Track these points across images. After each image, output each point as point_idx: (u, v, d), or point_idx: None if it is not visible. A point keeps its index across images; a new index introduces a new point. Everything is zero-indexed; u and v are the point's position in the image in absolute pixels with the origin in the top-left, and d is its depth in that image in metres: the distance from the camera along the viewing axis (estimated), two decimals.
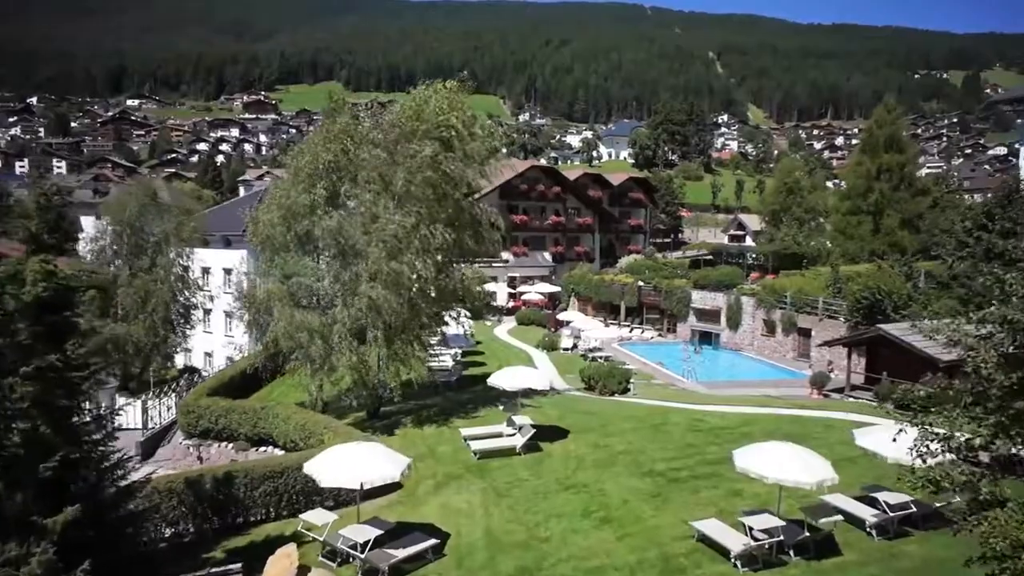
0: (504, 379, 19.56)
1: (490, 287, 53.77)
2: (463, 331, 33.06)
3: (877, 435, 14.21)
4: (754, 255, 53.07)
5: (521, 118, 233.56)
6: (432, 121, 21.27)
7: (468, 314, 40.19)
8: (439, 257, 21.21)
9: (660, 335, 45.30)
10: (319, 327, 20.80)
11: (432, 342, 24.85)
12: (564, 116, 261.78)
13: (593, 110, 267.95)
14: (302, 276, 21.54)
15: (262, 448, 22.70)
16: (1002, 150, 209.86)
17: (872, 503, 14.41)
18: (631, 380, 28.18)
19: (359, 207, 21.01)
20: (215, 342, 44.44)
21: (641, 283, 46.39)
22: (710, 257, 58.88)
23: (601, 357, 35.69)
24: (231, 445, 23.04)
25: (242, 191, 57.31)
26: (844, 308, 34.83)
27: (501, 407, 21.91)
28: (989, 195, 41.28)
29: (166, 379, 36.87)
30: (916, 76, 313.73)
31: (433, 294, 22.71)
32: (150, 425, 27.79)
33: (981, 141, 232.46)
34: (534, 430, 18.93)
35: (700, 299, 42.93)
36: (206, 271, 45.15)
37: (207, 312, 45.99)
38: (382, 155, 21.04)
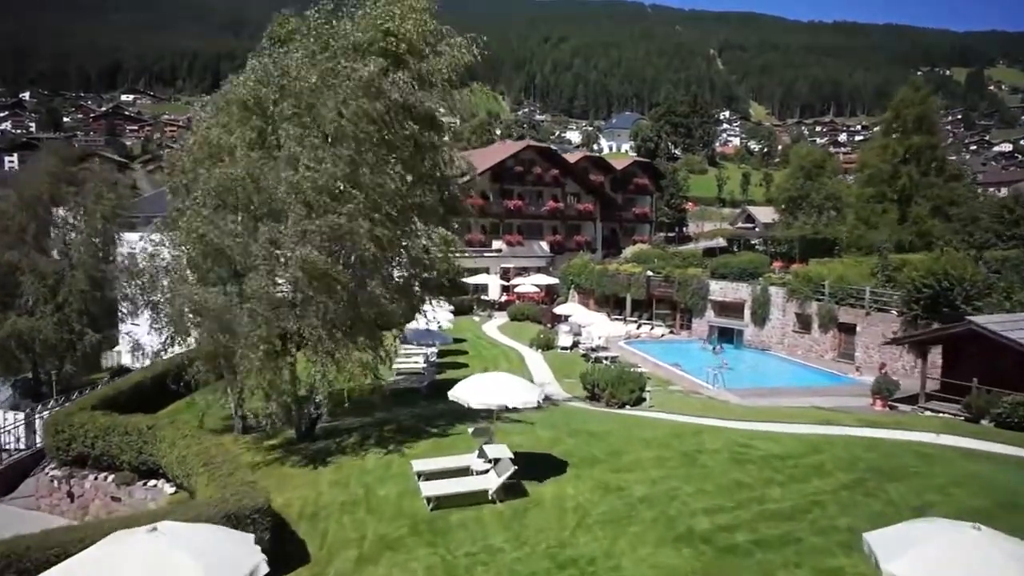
0: (471, 391, 13.44)
1: (481, 279, 47.95)
2: (436, 325, 27.13)
3: None
4: (778, 241, 47.15)
5: (520, 114, 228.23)
6: (374, 27, 15.23)
7: (450, 306, 34.36)
8: (384, 214, 15.06)
9: (672, 332, 39.36)
10: (214, 312, 14.79)
11: (393, 339, 18.73)
12: (564, 112, 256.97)
13: (593, 106, 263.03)
14: (210, 235, 15.30)
15: (152, 481, 16.75)
16: (1007, 147, 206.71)
17: None
18: (646, 388, 22.19)
19: (285, 150, 15.00)
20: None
21: (650, 273, 40.39)
22: (725, 245, 53.15)
23: (606, 358, 29.75)
24: (111, 477, 17.05)
25: None
26: (898, 299, 28.99)
27: (470, 430, 15.77)
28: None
29: (93, 383, 30.92)
30: (919, 73, 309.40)
31: (402, 264, 16.84)
32: (33, 445, 21.70)
33: (986, 138, 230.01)
34: (515, 467, 12.92)
35: (720, 290, 36.96)
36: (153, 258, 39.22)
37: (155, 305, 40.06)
38: (310, 78, 15.06)
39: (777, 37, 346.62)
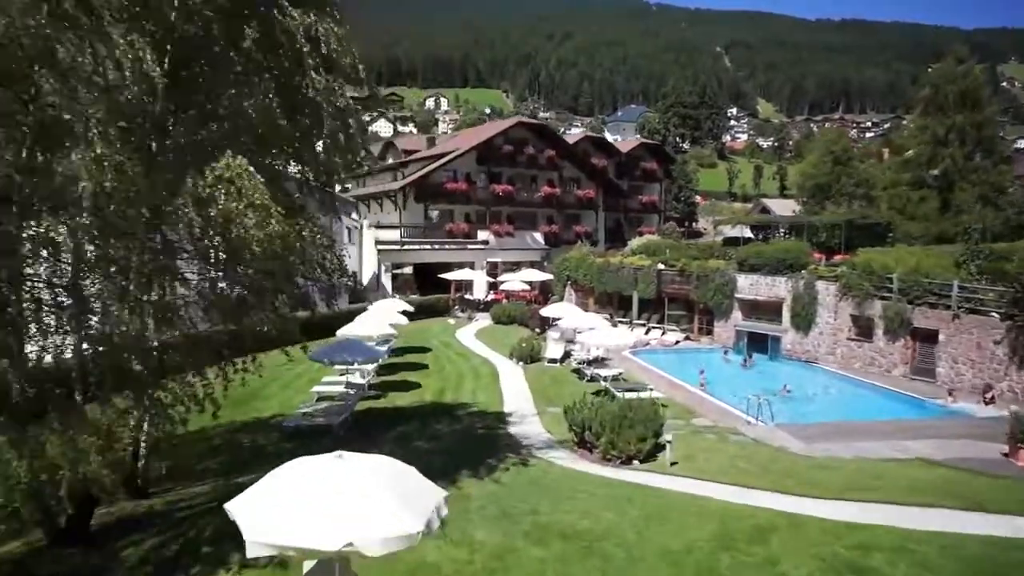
0: (264, 511, 5.67)
1: (464, 275, 40.55)
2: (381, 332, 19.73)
3: None
4: (815, 228, 39.70)
5: (522, 105, 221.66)
6: None
7: (406, 305, 26.99)
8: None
9: (688, 338, 31.88)
10: None
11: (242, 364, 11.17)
12: (569, 110, 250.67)
13: (598, 103, 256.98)
14: None
15: None
16: (1022, 143, 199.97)
17: None
18: (666, 432, 14.56)
19: None
20: None
21: (662, 266, 32.91)
22: (750, 236, 45.70)
23: (607, 376, 22.21)
24: None
25: None
26: (1003, 297, 21.51)
27: (305, 569, 7.96)
28: None
29: None
30: (930, 69, 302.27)
31: None
32: None
33: (1001, 134, 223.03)
34: None
35: (750, 287, 29.46)
36: None
37: None
38: None
39: (784, 34, 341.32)
